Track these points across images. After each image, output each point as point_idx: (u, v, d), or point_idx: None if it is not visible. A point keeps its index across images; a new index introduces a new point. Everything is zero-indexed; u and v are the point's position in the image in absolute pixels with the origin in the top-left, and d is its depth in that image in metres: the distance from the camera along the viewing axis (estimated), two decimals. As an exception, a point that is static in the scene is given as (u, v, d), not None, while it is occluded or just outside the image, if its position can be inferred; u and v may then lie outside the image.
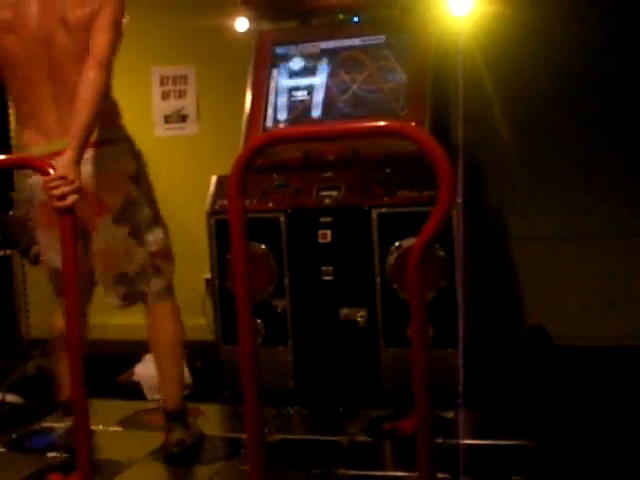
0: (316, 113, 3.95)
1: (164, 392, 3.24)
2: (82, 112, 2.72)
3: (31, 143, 2.96)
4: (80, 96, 2.73)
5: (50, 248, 2.99)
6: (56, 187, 2.52)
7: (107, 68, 2.78)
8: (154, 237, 3.09)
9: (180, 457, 3.10)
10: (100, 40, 2.79)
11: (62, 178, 2.54)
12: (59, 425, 3.35)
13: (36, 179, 2.86)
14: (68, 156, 2.64)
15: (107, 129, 2.93)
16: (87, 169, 2.86)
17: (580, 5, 4.41)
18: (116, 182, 2.97)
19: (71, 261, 2.39)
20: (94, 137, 2.83)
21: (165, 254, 3.14)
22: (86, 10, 2.82)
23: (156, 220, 3.11)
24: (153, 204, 3.12)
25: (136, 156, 3.05)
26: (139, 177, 3.05)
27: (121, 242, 3.03)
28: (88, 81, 2.74)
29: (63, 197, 2.51)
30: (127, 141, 3.04)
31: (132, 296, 3.14)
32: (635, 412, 3.35)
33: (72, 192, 2.53)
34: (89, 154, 2.85)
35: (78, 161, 2.66)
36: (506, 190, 4.59)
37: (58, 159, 2.64)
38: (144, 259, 3.08)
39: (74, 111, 2.73)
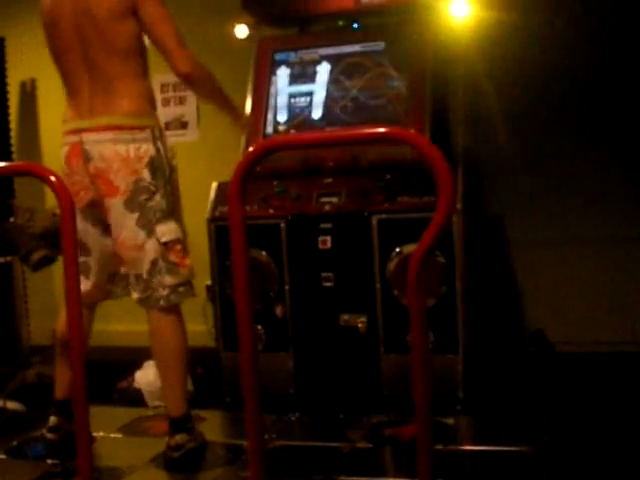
0: (316, 119, 3.96)
1: (166, 400, 3.25)
2: (214, 105, 3.39)
3: (67, 119, 3.17)
4: (202, 99, 3.63)
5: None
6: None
7: (194, 71, 3.09)
8: (166, 228, 3.08)
9: (180, 462, 3.09)
10: (167, 46, 3.03)
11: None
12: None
13: (61, 154, 3.16)
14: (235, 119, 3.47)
15: (130, 115, 3.06)
16: (103, 150, 3.04)
17: (580, 9, 4.42)
18: (130, 166, 3.03)
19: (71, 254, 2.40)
20: (116, 121, 3.04)
21: (179, 249, 3.12)
22: (114, 3, 3.00)
23: (170, 214, 3.11)
24: (170, 197, 3.12)
25: (158, 147, 3.10)
26: (156, 165, 3.07)
27: (131, 232, 3.05)
28: (195, 92, 3.49)
29: None
30: (152, 130, 3.10)
31: (146, 301, 3.13)
32: (636, 418, 3.34)
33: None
34: (108, 136, 3.03)
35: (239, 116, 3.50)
36: (506, 196, 4.60)
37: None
38: (155, 252, 3.07)
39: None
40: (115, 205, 3.06)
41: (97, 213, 3.14)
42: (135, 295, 3.16)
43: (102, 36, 3.02)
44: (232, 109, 3.40)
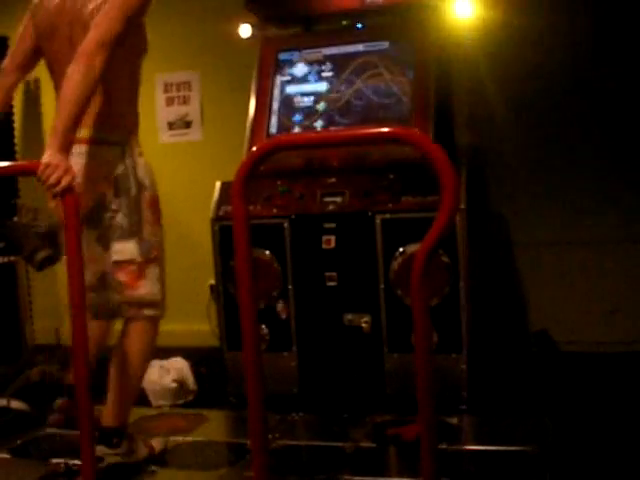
0: (320, 119, 3.96)
1: (105, 406, 3.08)
2: (60, 107, 2.76)
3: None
4: (62, 91, 2.78)
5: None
6: (47, 176, 2.63)
7: (87, 62, 2.75)
8: (122, 247, 2.98)
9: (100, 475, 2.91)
10: (89, 35, 2.78)
11: (47, 167, 2.63)
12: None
13: None
14: (49, 146, 2.71)
15: (103, 130, 2.96)
16: (74, 162, 2.84)
17: (583, 9, 4.42)
18: (92, 182, 2.93)
19: (74, 245, 2.39)
20: (87, 134, 2.92)
21: (130, 270, 3.00)
22: (94, 5, 2.88)
23: (131, 234, 2.99)
24: (134, 217, 2.99)
25: (127, 165, 2.99)
26: (120, 184, 2.97)
27: (91, 248, 2.98)
28: (67, 76, 2.76)
29: (58, 182, 2.62)
30: (123, 146, 3.00)
31: (97, 311, 3.08)
32: (639, 418, 3.34)
33: (63, 175, 2.63)
34: (81, 149, 2.92)
35: (61, 149, 2.69)
36: (510, 196, 4.60)
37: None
38: (107, 267, 3.00)
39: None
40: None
41: None
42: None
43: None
44: (59, 137, 2.74)
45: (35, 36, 3.11)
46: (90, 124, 2.95)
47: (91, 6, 2.89)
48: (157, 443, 3.24)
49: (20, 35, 3.19)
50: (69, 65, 2.81)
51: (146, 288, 3.03)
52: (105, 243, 3.00)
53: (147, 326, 3.08)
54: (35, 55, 3.17)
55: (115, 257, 2.99)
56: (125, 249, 2.99)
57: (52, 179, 2.62)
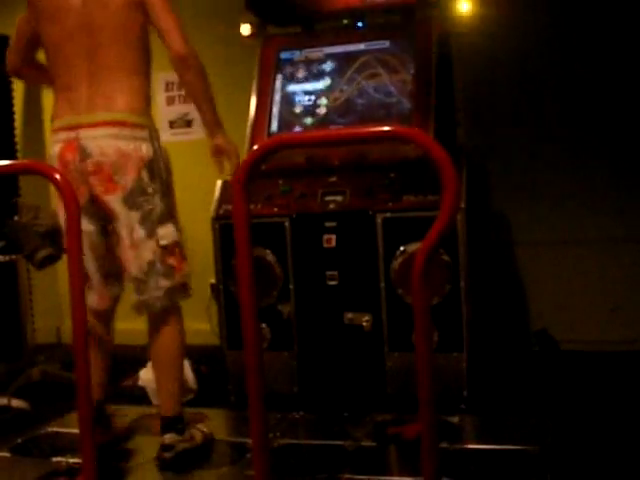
0: (321, 118, 3.96)
1: (160, 399, 3.23)
2: (198, 106, 3.10)
3: (59, 115, 3.09)
4: (187, 92, 3.20)
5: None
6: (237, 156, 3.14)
7: (192, 56, 3.01)
8: (166, 231, 3.05)
9: (172, 462, 3.06)
10: (169, 31, 2.98)
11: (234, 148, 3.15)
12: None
13: (51, 152, 3.09)
14: (218, 134, 3.15)
15: (132, 112, 3.01)
16: (104, 146, 2.98)
17: (583, 8, 4.42)
18: (129, 163, 2.98)
19: (75, 243, 2.40)
20: (118, 117, 2.98)
21: (177, 253, 3.09)
22: None
23: (169, 216, 3.07)
24: (168, 200, 3.08)
25: (156, 148, 3.05)
26: (154, 167, 3.03)
27: (131, 230, 3.01)
28: (184, 81, 3.06)
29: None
30: (149, 130, 3.05)
31: (143, 304, 3.11)
32: (640, 417, 3.35)
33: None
34: (109, 131, 2.97)
35: (224, 137, 3.15)
36: (511, 195, 4.60)
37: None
38: (154, 254, 3.04)
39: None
40: (115, 202, 3.01)
41: (97, 210, 3.07)
42: (133, 297, 3.12)
43: (112, 25, 2.98)
44: (216, 121, 3.15)
45: (35, 23, 3.13)
46: (121, 107, 3.00)
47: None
48: (204, 427, 3.35)
49: (22, 29, 3.21)
50: (74, 42, 2.99)
51: (187, 269, 3.15)
52: (148, 227, 3.03)
53: (178, 312, 3.19)
54: (36, 45, 3.22)
55: (163, 242, 3.04)
56: (168, 233, 3.06)
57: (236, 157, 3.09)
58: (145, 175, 3.00)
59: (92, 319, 3.09)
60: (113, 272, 3.20)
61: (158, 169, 3.04)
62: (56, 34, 3.06)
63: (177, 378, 3.19)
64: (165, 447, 3.08)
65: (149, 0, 2.97)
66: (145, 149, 3.01)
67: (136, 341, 3.90)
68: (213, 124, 3.12)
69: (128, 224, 3.02)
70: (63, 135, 3.05)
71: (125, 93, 3.00)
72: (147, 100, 3.09)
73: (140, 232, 3.02)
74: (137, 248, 3.03)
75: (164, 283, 3.06)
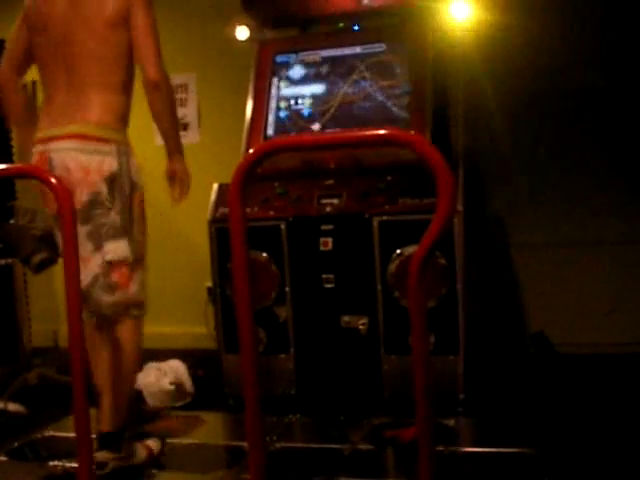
0: (317, 121, 3.96)
1: (100, 412, 3.07)
2: (162, 131, 3.09)
3: (40, 126, 3.08)
4: (154, 116, 3.06)
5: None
6: (188, 184, 3.21)
7: (163, 83, 3.00)
8: (115, 247, 2.98)
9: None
10: (146, 55, 2.98)
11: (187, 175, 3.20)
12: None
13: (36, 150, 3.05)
14: (177, 159, 3.17)
15: (99, 126, 2.98)
16: (65, 158, 2.96)
17: (581, 10, 4.42)
18: (88, 177, 2.94)
19: (71, 247, 2.39)
20: (85, 130, 2.97)
21: (124, 270, 3.01)
22: (110, 9, 2.97)
23: (123, 233, 3.00)
24: (126, 215, 3.01)
25: (122, 163, 3.00)
26: (115, 182, 2.97)
27: (82, 245, 2.85)
28: (153, 105, 3.02)
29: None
30: (118, 145, 3.01)
31: (92, 314, 3.04)
32: (637, 419, 3.34)
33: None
34: (72, 144, 2.96)
35: (181, 163, 3.18)
36: (507, 197, 4.60)
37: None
38: (98, 267, 2.99)
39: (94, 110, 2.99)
40: None
41: None
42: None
43: (92, 42, 2.98)
44: (177, 147, 3.16)
45: (28, 32, 3.13)
46: (89, 120, 2.98)
47: (106, 10, 2.97)
48: (154, 444, 3.24)
49: (15, 37, 3.20)
50: (56, 57, 3.01)
51: (135, 288, 3.05)
52: (96, 241, 2.98)
53: (135, 326, 3.09)
54: (30, 56, 3.19)
55: (108, 257, 2.98)
56: (118, 248, 2.99)
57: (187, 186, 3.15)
58: (104, 189, 2.96)
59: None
60: None
61: (120, 184, 2.99)
62: (42, 46, 3.08)
63: (123, 390, 3.09)
64: (98, 465, 2.87)
65: (134, 20, 2.97)
66: (108, 164, 2.97)
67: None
68: (174, 149, 3.15)
69: (78, 237, 2.85)
70: (38, 147, 3.04)
71: (97, 107, 2.99)
72: (121, 116, 3.06)
73: (88, 246, 2.97)
74: (85, 261, 2.93)
75: (105, 298, 3.01)
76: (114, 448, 3.01)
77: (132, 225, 3.03)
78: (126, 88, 3.07)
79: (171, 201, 3.16)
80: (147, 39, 2.98)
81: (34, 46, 3.12)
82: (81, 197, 2.93)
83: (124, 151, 3.02)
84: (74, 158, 2.95)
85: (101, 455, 2.97)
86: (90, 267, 2.98)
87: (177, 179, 3.14)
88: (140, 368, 3.21)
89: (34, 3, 3.11)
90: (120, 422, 3.05)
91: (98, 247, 2.98)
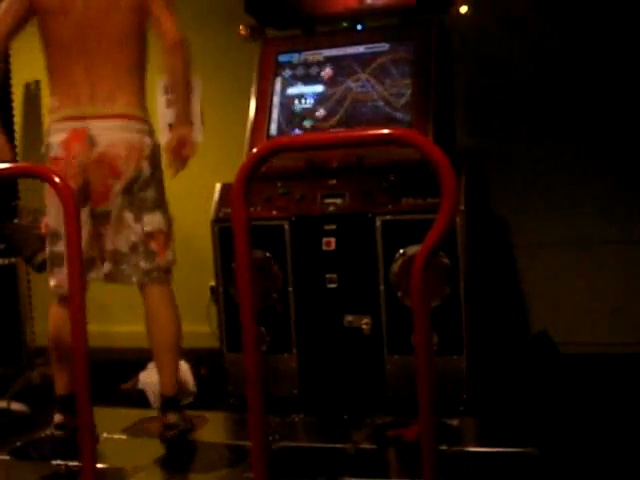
0: (320, 121, 3.96)
1: (161, 379, 3.34)
2: (177, 94, 3.26)
3: (62, 106, 3.22)
4: (173, 80, 3.24)
5: (52, 205, 3.14)
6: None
7: (185, 43, 3.21)
8: (152, 218, 3.23)
9: (175, 441, 3.19)
10: (166, 19, 3.16)
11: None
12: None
13: (53, 140, 3.18)
14: (184, 124, 3.27)
15: (136, 106, 3.21)
16: (111, 136, 3.15)
17: (582, 9, 4.42)
18: (134, 154, 3.16)
19: (75, 245, 2.40)
20: (124, 110, 3.18)
21: (160, 239, 3.25)
22: None
23: (159, 205, 3.26)
24: (160, 190, 3.27)
25: (155, 141, 3.28)
26: (154, 159, 3.23)
27: (122, 213, 3.19)
28: (171, 66, 3.18)
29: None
30: (149, 124, 3.27)
31: (114, 274, 3.25)
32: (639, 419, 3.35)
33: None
34: (117, 123, 3.16)
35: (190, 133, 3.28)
36: (510, 197, 4.59)
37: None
38: (138, 237, 3.20)
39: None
40: (114, 187, 3.16)
41: (87, 195, 3.17)
42: (107, 267, 3.24)
43: (112, 27, 3.13)
44: (188, 113, 3.34)
45: (32, 10, 3.20)
46: (126, 101, 3.18)
47: None
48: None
49: (9, 7, 3.24)
50: (77, 41, 3.12)
51: (170, 255, 3.30)
52: (136, 213, 3.20)
53: (170, 290, 3.33)
54: (21, 26, 3.27)
55: (147, 228, 3.22)
56: (155, 220, 3.24)
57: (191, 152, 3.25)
58: (146, 165, 3.19)
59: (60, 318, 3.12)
60: (90, 257, 3.24)
61: (157, 160, 3.25)
62: (57, 31, 3.18)
63: (174, 358, 3.32)
64: (168, 426, 3.21)
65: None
66: (147, 142, 3.21)
67: (135, 344, 3.90)
68: (185, 114, 3.29)
69: (120, 208, 3.18)
70: (68, 124, 3.17)
71: (125, 90, 3.18)
72: (144, 97, 3.27)
73: (129, 216, 3.19)
74: (123, 230, 3.20)
75: (143, 265, 3.23)
76: (180, 410, 3.28)
77: (163, 198, 3.29)
78: (143, 71, 3.27)
79: (170, 172, 3.28)
80: (164, 6, 3.15)
81: (46, 29, 3.20)
82: (127, 173, 3.17)
83: (152, 129, 3.28)
84: (121, 137, 3.16)
85: (173, 417, 3.23)
86: (128, 235, 3.21)
87: (184, 146, 3.26)
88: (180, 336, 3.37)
89: None
90: (177, 386, 3.32)
91: (138, 218, 3.21)
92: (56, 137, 3.18)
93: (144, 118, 3.24)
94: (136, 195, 3.20)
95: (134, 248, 3.22)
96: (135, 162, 3.17)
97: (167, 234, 3.28)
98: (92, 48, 3.14)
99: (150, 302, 3.29)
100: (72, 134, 3.15)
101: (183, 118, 3.28)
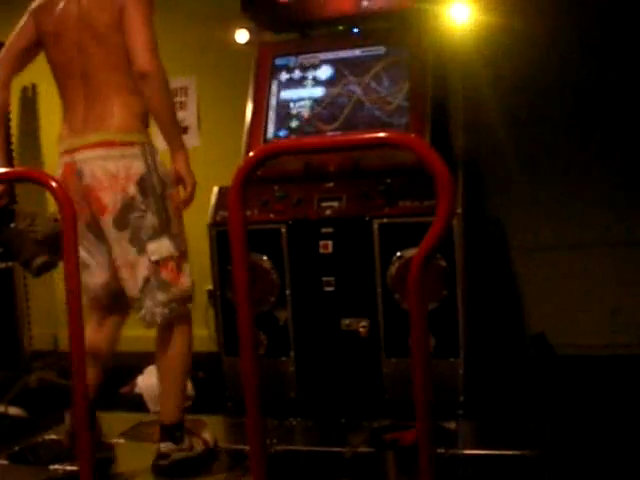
0: (316, 124, 3.96)
1: (161, 406, 3.25)
2: (160, 125, 3.01)
3: (62, 136, 3.13)
4: (152, 114, 3.02)
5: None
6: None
7: (153, 72, 2.91)
8: (158, 246, 3.02)
9: (166, 471, 3.06)
10: (135, 45, 2.91)
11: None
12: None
13: (57, 175, 3.03)
14: (185, 162, 3.08)
15: (121, 131, 3.01)
16: (93, 167, 2.99)
17: (580, 12, 4.42)
18: (119, 184, 2.97)
19: (71, 250, 2.40)
20: (107, 137, 2.99)
21: (172, 266, 3.06)
22: (108, 13, 2.97)
23: (163, 231, 3.03)
24: (162, 214, 3.04)
25: (149, 164, 3.03)
26: (146, 183, 3.00)
27: (123, 250, 3.02)
28: (145, 97, 2.96)
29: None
30: (143, 146, 3.03)
31: (145, 319, 3.09)
32: (637, 421, 3.34)
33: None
34: (98, 153, 2.99)
35: (184, 163, 3.07)
36: (507, 199, 4.60)
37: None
38: (147, 270, 3.02)
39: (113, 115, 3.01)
40: (105, 223, 3.02)
41: (99, 230, 3.08)
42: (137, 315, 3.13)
43: (102, 48, 2.99)
44: (177, 143, 3.06)
45: (35, 40, 3.15)
46: (111, 127, 3.01)
47: (105, 16, 2.97)
48: (209, 436, 3.32)
49: (16, 35, 3.21)
50: (72, 65, 3.02)
51: (186, 281, 3.13)
52: (139, 244, 3.02)
53: (187, 321, 3.21)
54: (27, 57, 3.22)
55: (154, 257, 3.02)
56: (161, 247, 3.04)
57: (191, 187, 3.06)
58: (136, 192, 2.99)
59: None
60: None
61: (151, 185, 3.02)
62: (56, 56, 3.11)
63: (179, 387, 3.20)
64: (161, 455, 3.08)
65: (126, 15, 2.93)
66: (136, 166, 3.00)
67: (134, 348, 3.90)
68: (173, 147, 3.05)
69: (120, 244, 3.02)
70: (64, 159, 3.09)
71: (116, 113, 3.01)
72: (141, 117, 3.06)
73: (131, 250, 3.02)
74: (132, 267, 3.03)
75: (161, 297, 3.04)
76: (177, 439, 3.12)
77: (169, 222, 3.07)
78: (137, 89, 3.04)
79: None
80: (136, 30, 2.93)
81: (48, 56, 3.15)
82: (115, 204, 2.98)
83: (149, 151, 3.05)
84: (101, 166, 2.98)
85: (165, 446, 3.09)
86: (139, 271, 3.03)
87: (181, 181, 3.09)
88: (189, 363, 3.30)
89: (44, 19, 3.11)
90: (180, 413, 3.16)
91: (142, 250, 3.02)
92: (58, 172, 3.08)
93: (132, 142, 3.00)
94: (135, 225, 3.00)
95: (146, 282, 3.02)
96: (121, 192, 2.97)
97: (178, 259, 3.08)
98: (83, 74, 3.04)
99: (163, 332, 3.15)
100: (65, 169, 3.06)
101: (172, 151, 3.05)
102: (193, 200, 3.10)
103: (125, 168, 2.98)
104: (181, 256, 3.10)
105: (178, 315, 3.13)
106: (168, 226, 3.07)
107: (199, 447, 3.23)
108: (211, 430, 3.37)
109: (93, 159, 2.99)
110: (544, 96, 4.51)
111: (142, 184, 3.00)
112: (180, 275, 3.10)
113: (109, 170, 2.97)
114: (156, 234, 3.03)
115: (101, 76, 3.01)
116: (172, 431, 3.11)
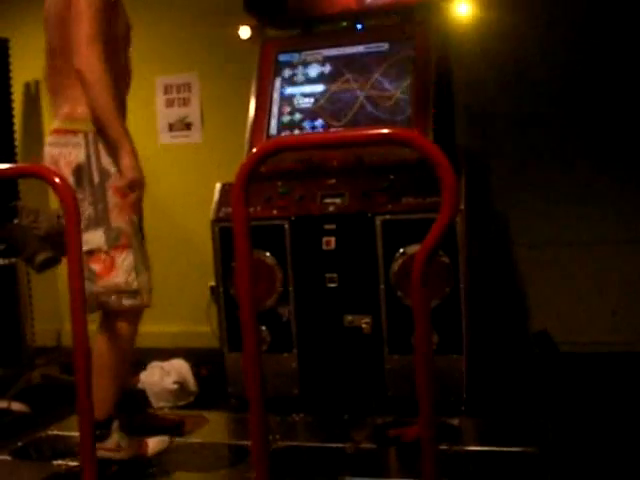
0: (320, 120, 3.96)
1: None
2: (96, 121, 2.95)
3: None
4: (88, 107, 2.96)
5: None
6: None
7: (86, 70, 2.88)
8: (91, 237, 2.95)
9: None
10: (75, 39, 2.90)
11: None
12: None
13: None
14: (132, 155, 2.93)
15: (68, 119, 3.03)
16: (46, 154, 3.08)
17: (581, 9, 4.42)
18: (58, 170, 2.87)
19: (75, 245, 2.40)
20: (55, 125, 3.08)
21: (103, 260, 2.99)
22: (61, 4, 2.99)
23: (98, 223, 2.97)
24: (99, 205, 2.97)
25: (90, 153, 2.98)
26: (82, 172, 2.97)
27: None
28: (84, 90, 2.92)
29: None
30: (86, 134, 2.99)
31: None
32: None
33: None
34: (51, 139, 3.08)
35: (126, 160, 2.91)
36: (510, 196, 4.60)
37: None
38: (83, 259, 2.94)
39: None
40: None
41: None
42: None
43: (62, 38, 2.99)
44: (119, 141, 2.93)
45: None
46: (61, 115, 3.07)
47: (61, 4, 3.00)
48: (154, 444, 3.24)
49: None
50: (50, 55, 3.07)
51: (120, 277, 3.01)
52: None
53: (125, 319, 3.07)
54: None
55: (85, 247, 2.87)
56: (93, 238, 2.97)
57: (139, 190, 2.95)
58: (72, 181, 2.93)
59: None
60: None
61: (88, 174, 2.98)
62: (45, 44, 3.15)
63: (107, 383, 3.07)
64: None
65: (75, 6, 2.92)
66: (75, 155, 2.98)
67: (136, 344, 3.90)
68: (114, 142, 2.94)
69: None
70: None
71: (69, 101, 3.03)
72: (86, 106, 2.99)
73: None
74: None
75: (89, 287, 2.89)
76: (98, 437, 2.92)
77: (108, 213, 3.00)
78: None
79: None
80: (77, 23, 2.91)
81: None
82: None
83: (93, 140, 2.99)
84: (49, 152, 3.07)
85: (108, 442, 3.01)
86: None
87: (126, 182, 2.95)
88: (130, 362, 3.21)
89: (45, 6, 3.15)
90: (105, 412, 3.03)
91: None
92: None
93: (76, 130, 2.99)
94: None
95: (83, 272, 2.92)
96: None
97: (109, 253, 2.99)
98: (54, 61, 3.08)
99: (100, 325, 3.07)
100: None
101: (117, 147, 2.93)
102: (138, 198, 2.97)
103: (65, 155, 3.01)
104: (116, 249, 3.00)
105: (115, 310, 3.04)
106: (105, 217, 3.00)
107: (126, 453, 3.09)
108: (166, 441, 3.29)
109: (48, 145, 3.08)
110: (548, 91, 4.50)
111: (78, 173, 2.98)
112: (112, 270, 3.01)
113: (53, 156, 3.04)
114: (91, 225, 2.97)
115: (62, 65, 3.04)
116: (100, 427, 2.98)
